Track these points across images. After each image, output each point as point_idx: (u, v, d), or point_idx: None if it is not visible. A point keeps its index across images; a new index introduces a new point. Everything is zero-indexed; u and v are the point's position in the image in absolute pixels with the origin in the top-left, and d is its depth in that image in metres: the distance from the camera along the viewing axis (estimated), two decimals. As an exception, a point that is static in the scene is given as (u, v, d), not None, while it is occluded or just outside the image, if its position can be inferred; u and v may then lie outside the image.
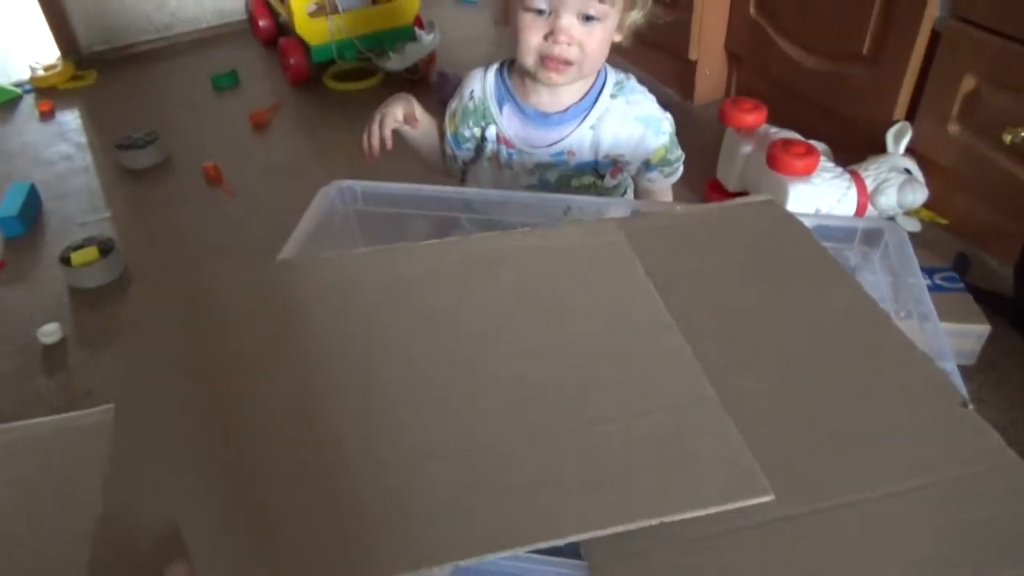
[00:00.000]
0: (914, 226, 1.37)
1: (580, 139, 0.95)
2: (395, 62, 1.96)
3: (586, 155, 0.96)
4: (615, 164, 0.97)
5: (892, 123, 1.35)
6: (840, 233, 0.83)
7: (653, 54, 1.86)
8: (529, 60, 0.89)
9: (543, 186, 0.98)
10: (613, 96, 0.95)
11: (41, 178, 1.69)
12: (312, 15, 1.92)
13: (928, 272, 1.18)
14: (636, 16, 0.92)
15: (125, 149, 1.72)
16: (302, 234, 0.84)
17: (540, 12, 0.85)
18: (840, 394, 0.61)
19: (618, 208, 0.89)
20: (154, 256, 1.47)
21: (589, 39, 0.87)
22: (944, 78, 1.27)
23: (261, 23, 2.19)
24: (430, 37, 1.97)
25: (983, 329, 1.10)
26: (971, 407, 0.59)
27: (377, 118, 0.95)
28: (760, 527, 0.53)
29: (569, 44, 0.86)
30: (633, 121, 0.95)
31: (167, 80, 2.11)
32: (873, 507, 0.53)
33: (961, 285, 1.17)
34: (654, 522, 0.50)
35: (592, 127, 0.94)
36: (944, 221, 1.39)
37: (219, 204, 1.61)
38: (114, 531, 0.51)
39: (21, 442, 0.67)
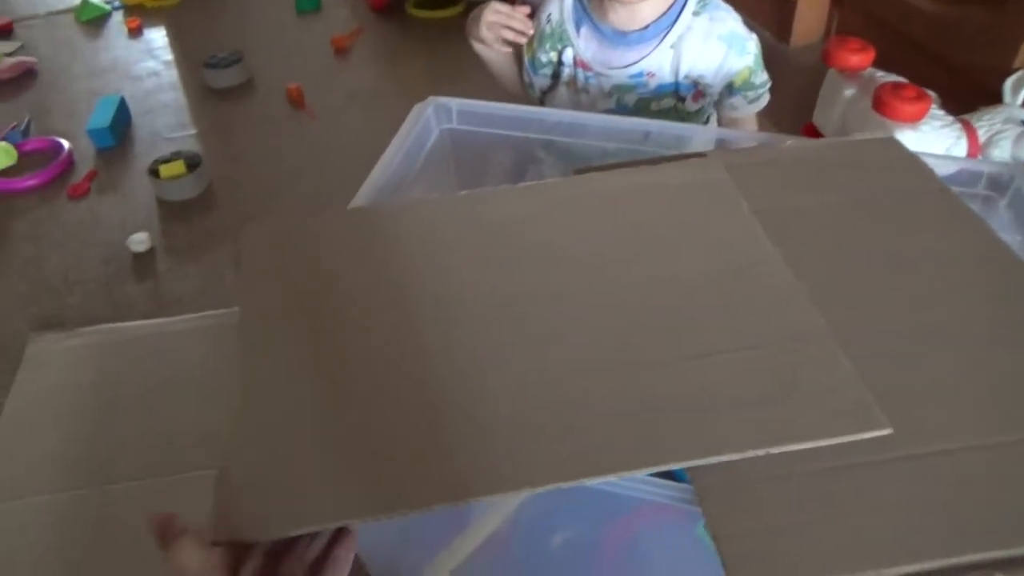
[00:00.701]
0: (1025, 184, 1.29)
1: (660, 59, 0.90)
2: (479, -9, 1.92)
3: (666, 76, 0.91)
4: (696, 87, 0.92)
5: (1011, 72, 1.26)
6: (963, 178, 0.78)
7: (750, -9, 1.77)
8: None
9: (621, 110, 0.94)
10: (696, 13, 0.89)
11: (130, 93, 1.72)
12: (398, -63, 1.88)
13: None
14: None
15: (211, 68, 1.74)
16: (395, 151, 0.83)
17: None
18: (967, 337, 0.58)
19: (701, 136, 0.85)
20: (239, 174, 1.49)
21: None
22: (1077, 23, 1.18)
23: (345, -54, 2.16)
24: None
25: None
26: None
27: (495, 20, 0.91)
28: (876, 465, 0.51)
29: None
30: (716, 40, 0.89)
31: (252, 3, 2.11)
32: (1001, 453, 0.50)
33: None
34: (760, 452, 0.49)
35: (672, 46, 0.89)
36: (1058, 180, 1.30)
37: (302, 126, 1.61)
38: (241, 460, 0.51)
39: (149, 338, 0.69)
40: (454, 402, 0.52)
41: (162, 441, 0.87)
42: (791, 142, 0.80)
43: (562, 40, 0.93)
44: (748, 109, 0.94)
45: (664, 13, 0.89)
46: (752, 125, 0.98)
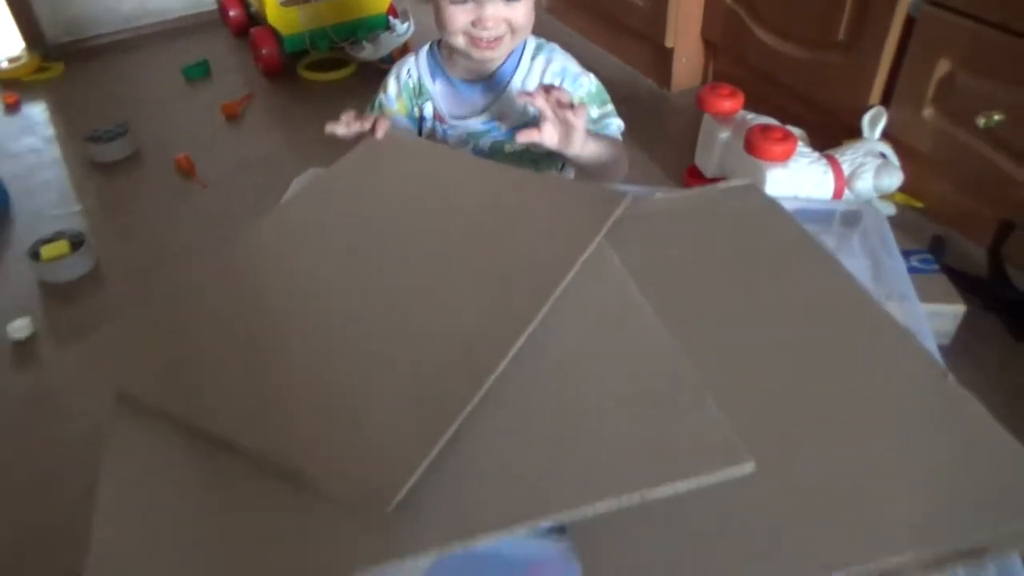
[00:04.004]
0: (889, 210, 1.38)
1: (508, 103, 0.94)
2: (369, 52, 1.94)
3: (515, 119, 0.95)
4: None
5: (867, 108, 1.36)
6: (819, 216, 0.83)
7: (630, 43, 1.86)
8: (460, 41, 0.88)
9: (477, 154, 0.96)
10: (533, 57, 0.94)
11: (9, 171, 1.65)
12: (284, 4, 1.89)
13: (904, 254, 1.16)
14: None
15: (95, 142, 1.69)
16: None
17: (464, 1, 0.84)
18: (823, 368, 0.61)
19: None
20: (127, 249, 1.45)
21: (515, 14, 0.86)
22: (919, 63, 1.28)
23: (232, 13, 2.15)
24: (404, 26, 1.95)
25: (959, 309, 1.11)
26: (951, 377, 0.60)
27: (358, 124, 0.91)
28: (744, 499, 0.52)
29: (492, 26, 0.85)
30: (550, 76, 0.94)
31: (136, 72, 2.07)
32: (857, 471, 0.53)
33: (937, 267, 1.18)
34: (636, 497, 0.51)
35: (519, 89, 0.93)
36: (919, 204, 1.40)
37: (192, 196, 1.58)
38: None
39: None
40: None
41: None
42: (659, 195, 0.84)
43: (421, 95, 0.97)
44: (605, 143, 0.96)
45: (505, 60, 0.92)
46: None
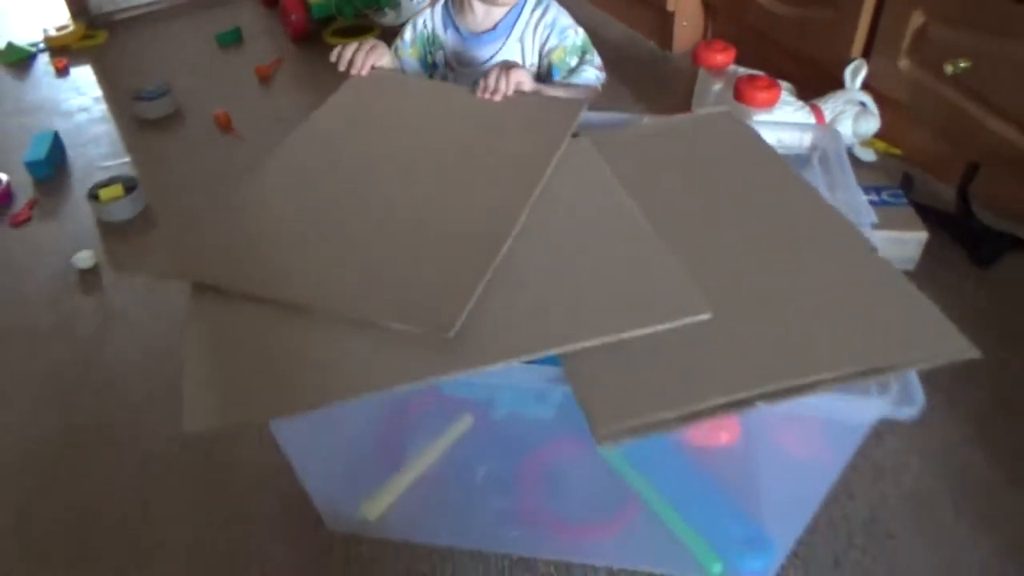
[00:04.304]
0: (870, 156, 1.50)
1: (509, 52, 1.08)
2: (391, 18, 2.07)
3: None
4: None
5: (850, 61, 1.47)
6: (792, 139, 0.97)
7: (633, 7, 1.98)
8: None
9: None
10: (533, 10, 1.08)
11: (63, 128, 1.81)
12: (312, -27, 2.03)
13: (876, 190, 1.31)
14: None
15: (140, 100, 1.83)
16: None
17: None
18: (774, 246, 0.75)
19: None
20: (173, 194, 1.60)
21: None
22: (895, 16, 1.40)
23: (262, -17, 2.29)
24: (425, -7, 2.08)
25: (921, 235, 1.24)
26: (877, 251, 0.73)
27: (362, 53, 1.04)
28: (697, 335, 0.67)
29: None
30: (541, 28, 1.08)
31: (174, 39, 2.22)
32: (794, 317, 0.68)
33: (905, 200, 1.30)
34: (612, 338, 0.65)
35: (519, 39, 1.08)
36: (897, 151, 1.52)
37: (230, 149, 1.73)
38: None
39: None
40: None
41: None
42: (647, 119, 0.97)
43: (435, 44, 1.10)
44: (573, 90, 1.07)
45: (508, 12, 1.07)
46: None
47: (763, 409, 0.62)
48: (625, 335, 0.66)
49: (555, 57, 1.07)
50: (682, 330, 0.66)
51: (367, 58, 1.02)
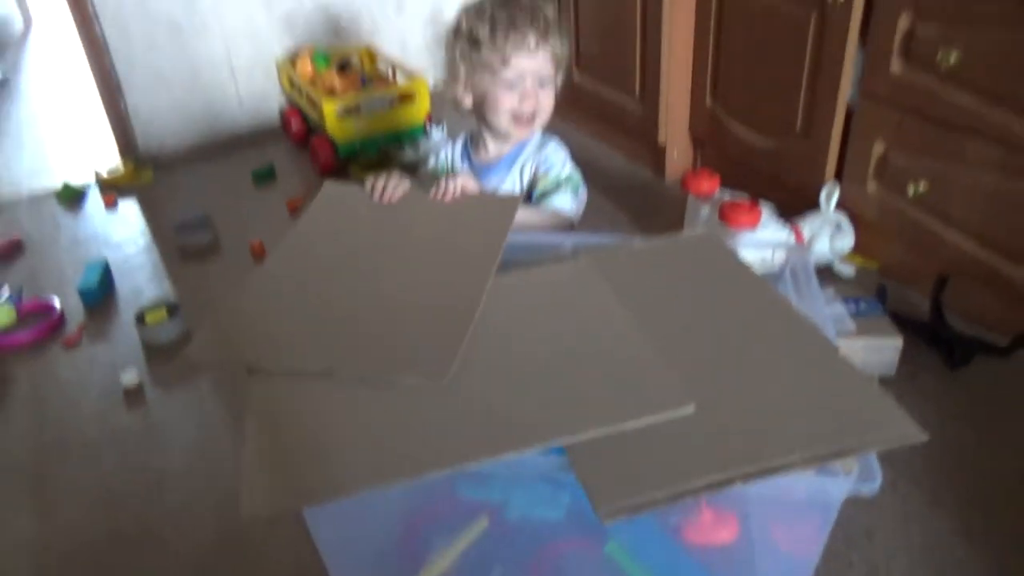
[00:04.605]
0: (849, 270, 1.64)
1: (512, 181, 1.28)
2: (410, 155, 2.30)
3: (516, 193, 1.28)
4: None
5: (823, 185, 1.64)
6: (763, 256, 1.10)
7: (630, 140, 2.18)
8: (504, 120, 1.21)
9: None
10: (535, 146, 1.29)
11: (111, 257, 1.98)
12: (341, 116, 2.27)
13: (854, 301, 1.44)
14: (560, 77, 1.26)
15: (181, 231, 2.02)
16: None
17: (511, 85, 1.19)
18: (750, 348, 0.87)
19: (575, 240, 1.17)
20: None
21: (545, 98, 1.22)
22: (859, 145, 1.57)
23: (293, 125, 2.53)
24: (439, 134, 2.31)
25: (897, 342, 1.35)
26: (841, 351, 0.85)
27: (391, 185, 1.17)
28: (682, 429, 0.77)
29: (533, 102, 1.21)
30: (536, 160, 1.28)
31: (214, 175, 2.44)
32: (768, 407, 0.79)
33: (881, 310, 1.43)
34: (610, 430, 0.76)
35: (519, 170, 1.28)
36: (874, 265, 1.66)
37: (264, 273, 1.89)
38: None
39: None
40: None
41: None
42: (638, 240, 1.12)
43: (452, 172, 1.29)
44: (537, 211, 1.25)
45: (514, 147, 1.27)
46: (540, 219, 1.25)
47: (741, 488, 0.72)
48: (621, 427, 0.77)
49: (538, 183, 1.26)
50: (670, 421, 0.77)
51: (396, 190, 1.17)
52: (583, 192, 1.28)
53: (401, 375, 0.82)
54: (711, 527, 0.92)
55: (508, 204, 1.12)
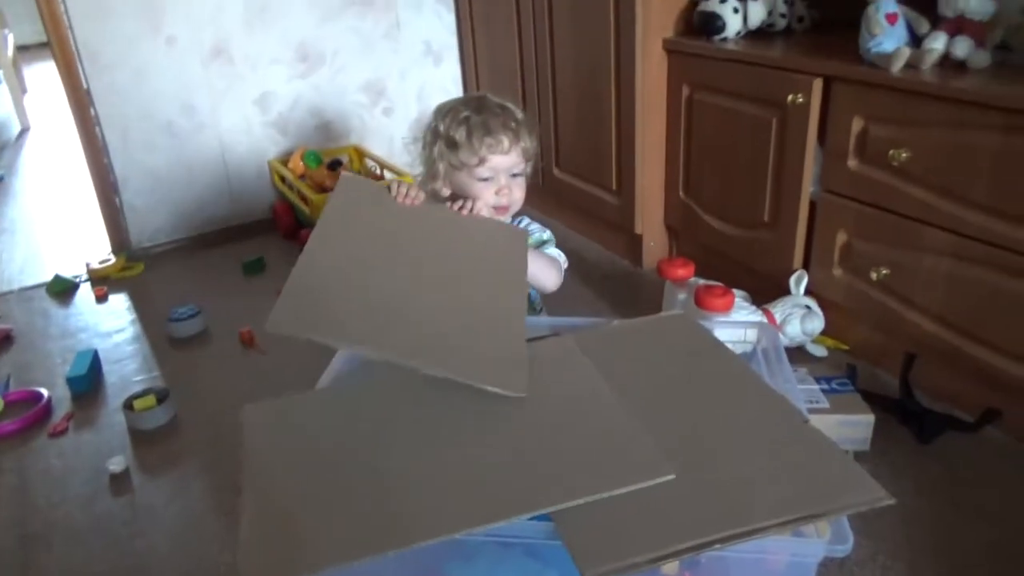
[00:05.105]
0: (821, 351, 1.71)
1: None
2: (397, 246, 2.38)
3: None
4: None
5: (792, 271, 1.73)
6: (738, 336, 1.17)
7: (608, 231, 2.29)
8: (485, 212, 1.28)
9: None
10: (516, 219, 1.40)
11: (101, 347, 2.01)
12: (330, 211, 2.36)
13: (826, 380, 1.50)
14: (529, 167, 1.37)
15: (173, 321, 2.06)
16: (342, 355, 1.16)
17: (486, 180, 1.30)
18: (723, 421, 0.92)
19: (559, 323, 1.24)
20: (201, 403, 1.76)
21: (517, 189, 1.33)
22: (824, 234, 1.67)
23: (284, 219, 2.62)
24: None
25: (869, 418, 1.40)
26: (809, 422, 0.90)
27: (413, 191, 1.26)
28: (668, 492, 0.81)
29: (508, 195, 1.31)
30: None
31: (205, 268, 2.50)
32: (742, 475, 0.83)
33: (852, 388, 1.48)
34: (595, 497, 0.80)
35: None
36: (845, 346, 1.73)
37: (254, 361, 1.92)
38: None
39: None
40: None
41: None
42: (616, 322, 1.18)
43: None
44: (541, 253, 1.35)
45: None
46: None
47: (721, 553, 0.75)
48: (605, 494, 0.81)
49: None
50: (651, 488, 0.81)
51: (417, 196, 1.26)
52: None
53: (486, 384, 0.91)
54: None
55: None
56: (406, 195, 1.23)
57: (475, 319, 1.01)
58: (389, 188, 1.24)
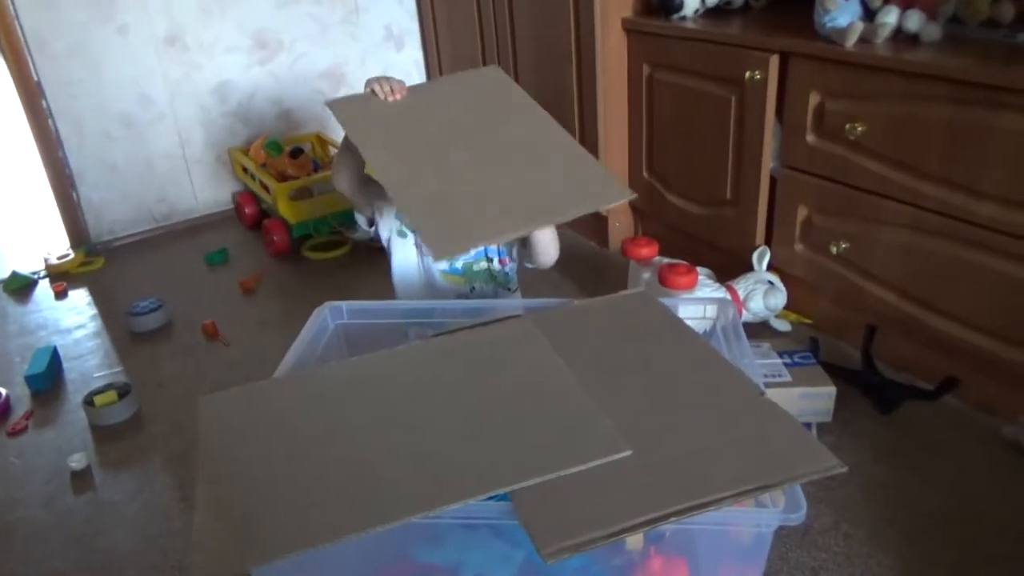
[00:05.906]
0: (785, 326, 1.73)
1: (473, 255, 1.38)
2: (362, 233, 2.35)
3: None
4: (500, 256, 1.40)
5: (755, 248, 1.74)
6: (699, 311, 1.17)
7: (574, 213, 2.28)
8: None
9: (452, 271, 1.40)
10: None
11: (61, 344, 1.97)
12: (293, 199, 2.33)
13: (789, 354, 1.51)
14: None
15: (133, 315, 2.02)
16: (300, 343, 1.15)
17: None
18: (680, 394, 0.93)
19: (517, 304, 1.24)
20: (163, 397, 1.74)
21: None
22: (785, 211, 1.68)
23: (247, 210, 2.58)
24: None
25: (831, 390, 1.42)
26: (765, 395, 0.90)
27: (394, 83, 1.28)
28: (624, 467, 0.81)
29: None
30: None
31: (167, 261, 2.45)
32: (699, 448, 0.83)
33: (814, 361, 1.50)
34: (552, 476, 0.80)
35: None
36: (808, 320, 1.75)
37: (217, 353, 1.90)
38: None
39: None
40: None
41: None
42: (578, 302, 1.18)
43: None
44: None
45: None
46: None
47: (680, 527, 0.76)
48: (562, 472, 0.81)
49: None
50: (608, 465, 0.82)
51: (400, 88, 1.28)
52: None
53: (598, 206, 1.14)
54: (661, 573, 0.95)
55: (501, 78, 1.34)
56: (391, 92, 1.26)
57: (541, 163, 1.10)
58: (374, 92, 1.28)
